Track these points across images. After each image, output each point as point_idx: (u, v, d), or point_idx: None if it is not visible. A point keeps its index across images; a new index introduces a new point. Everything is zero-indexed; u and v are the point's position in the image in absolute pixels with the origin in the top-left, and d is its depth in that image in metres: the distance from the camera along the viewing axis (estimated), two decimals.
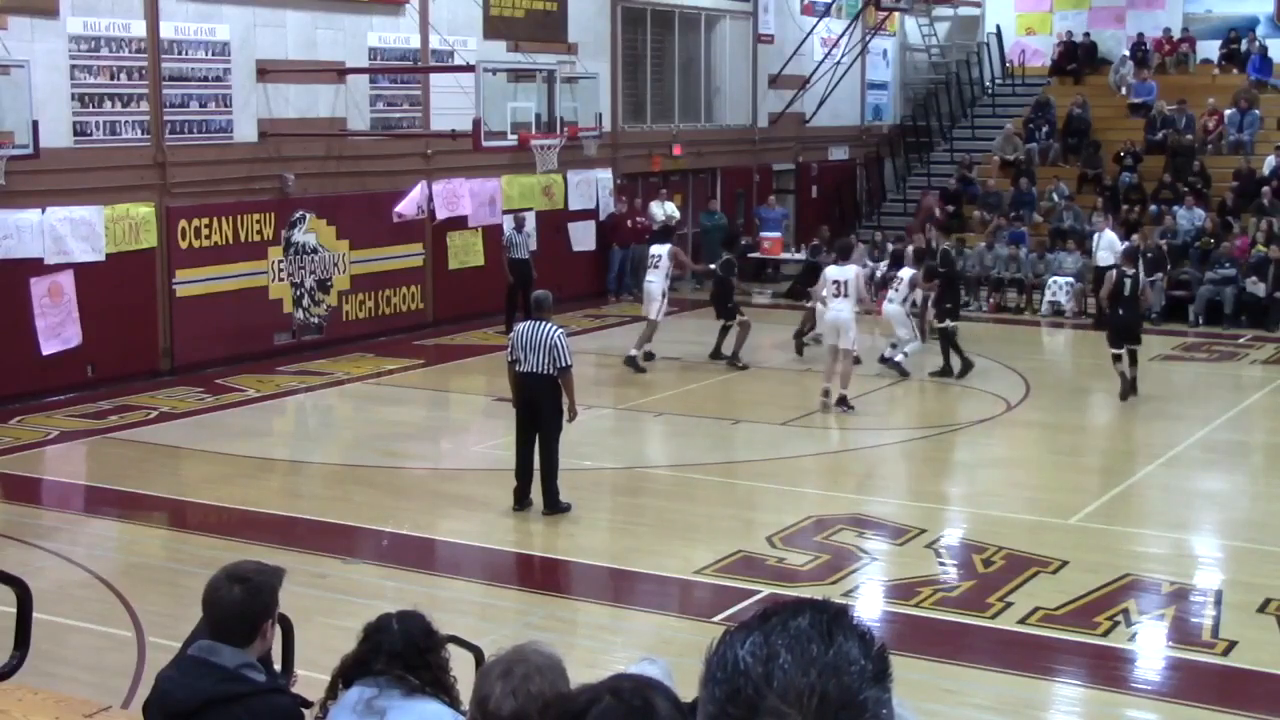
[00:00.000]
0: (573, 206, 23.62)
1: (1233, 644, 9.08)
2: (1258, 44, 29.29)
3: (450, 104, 19.97)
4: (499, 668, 3.35)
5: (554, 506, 11.78)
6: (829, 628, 1.69)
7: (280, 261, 19.01)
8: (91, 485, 13.71)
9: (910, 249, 20.22)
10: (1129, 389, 16.25)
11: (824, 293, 16.23)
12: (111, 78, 16.98)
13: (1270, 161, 25.54)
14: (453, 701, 4.22)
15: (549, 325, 11.74)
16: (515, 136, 18.32)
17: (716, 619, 9.25)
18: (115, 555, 11.27)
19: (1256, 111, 27.07)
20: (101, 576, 10.34)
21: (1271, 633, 9.28)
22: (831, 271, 16.26)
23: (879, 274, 24.79)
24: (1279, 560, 10.93)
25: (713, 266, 19.96)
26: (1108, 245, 21.98)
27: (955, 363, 17.62)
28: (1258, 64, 28.75)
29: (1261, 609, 9.65)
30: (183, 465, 13.99)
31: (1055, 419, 15.86)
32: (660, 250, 18.80)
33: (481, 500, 12.78)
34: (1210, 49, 30.35)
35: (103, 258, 16.75)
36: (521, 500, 11.88)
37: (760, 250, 26.23)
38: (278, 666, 5.33)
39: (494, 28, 21.89)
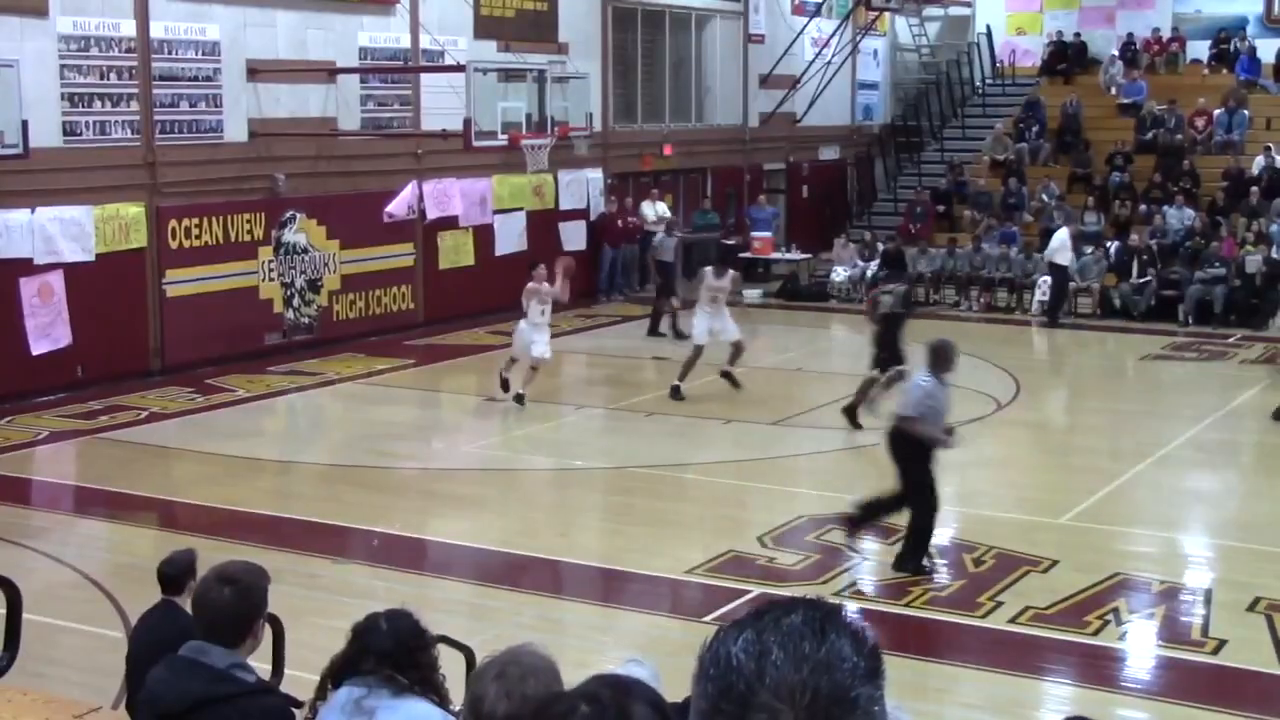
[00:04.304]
0: (563, 206, 23.61)
1: (1223, 643, 9.10)
2: (1247, 44, 29.36)
3: (441, 104, 19.94)
4: (493, 669, 3.35)
5: (904, 566, 10.44)
6: (822, 625, 1.70)
7: (271, 261, 18.98)
8: (81, 486, 13.68)
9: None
10: None
11: None
12: (101, 77, 16.94)
13: (1259, 161, 25.61)
14: (442, 701, 4.22)
15: (917, 375, 10.73)
16: (506, 136, 18.31)
17: (708, 619, 9.24)
18: (105, 555, 11.24)
19: (1245, 111, 27.13)
20: (91, 577, 10.32)
21: (1261, 631, 9.29)
22: None
23: (868, 274, 24.89)
24: (1269, 559, 10.95)
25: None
26: (1061, 245, 22.10)
27: None
28: (1246, 64, 28.82)
29: (1251, 608, 9.68)
30: (173, 465, 13.97)
31: (1045, 418, 15.89)
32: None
33: (472, 500, 12.79)
34: (1200, 49, 30.41)
35: (92, 258, 16.71)
36: (854, 529, 10.82)
37: (751, 250, 26.24)
38: (269, 666, 5.33)
39: (484, 27, 21.87)
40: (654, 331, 20.80)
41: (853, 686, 1.66)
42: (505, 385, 15.90)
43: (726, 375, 16.56)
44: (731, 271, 17.07)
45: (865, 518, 10.70)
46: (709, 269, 16.95)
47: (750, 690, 1.65)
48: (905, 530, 10.45)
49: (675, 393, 16.37)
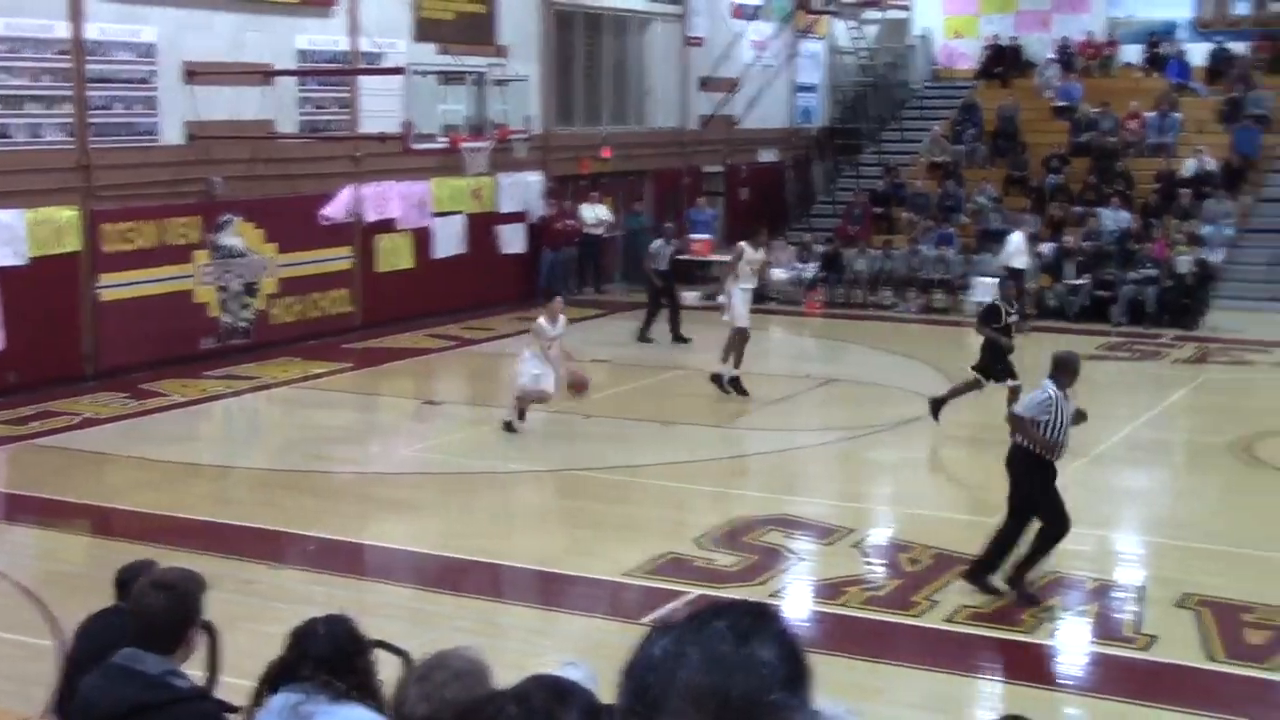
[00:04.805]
0: (503, 209, 23.57)
1: (1154, 639, 9.23)
2: (1176, 48, 29.77)
3: (380, 106, 19.81)
4: (416, 673, 3.38)
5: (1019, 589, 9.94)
6: (747, 630, 1.70)
7: (206, 265, 18.82)
8: (12, 493, 13.49)
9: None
10: None
11: None
12: (34, 79, 16.74)
13: (1190, 164, 25.97)
14: (380, 706, 4.21)
15: (1047, 388, 9.91)
16: (446, 139, 18.26)
17: (644, 620, 9.27)
18: (36, 563, 11.12)
19: (1177, 114, 27.49)
20: (22, 585, 10.19)
21: (1191, 628, 9.44)
22: None
23: (805, 276, 25.00)
24: (1200, 556, 11.13)
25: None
26: (1016, 249, 22.22)
27: None
28: (1177, 68, 29.22)
29: (1181, 604, 9.82)
30: (107, 471, 13.82)
31: (981, 418, 15.99)
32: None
33: (410, 504, 12.74)
34: (1133, 53, 30.81)
35: (25, 262, 16.51)
36: (980, 579, 10.03)
37: (690, 252, 26.26)
38: (203, 673, 5.30)
39: (423, 30, 21.80)
40: (644, 338, 20.73)
41: (769, 692, 1.66)
42: (521, 415, 15.20)
43: (717, 379, 16.59)
44: (767, 244, 17.52)
45: (993, 559, 10.02)
46: (744, 243, 17.21)
47: (663, 694, 1.66)
48: (1031, 546, 9.92)
49: (720, 381, 16.45)
